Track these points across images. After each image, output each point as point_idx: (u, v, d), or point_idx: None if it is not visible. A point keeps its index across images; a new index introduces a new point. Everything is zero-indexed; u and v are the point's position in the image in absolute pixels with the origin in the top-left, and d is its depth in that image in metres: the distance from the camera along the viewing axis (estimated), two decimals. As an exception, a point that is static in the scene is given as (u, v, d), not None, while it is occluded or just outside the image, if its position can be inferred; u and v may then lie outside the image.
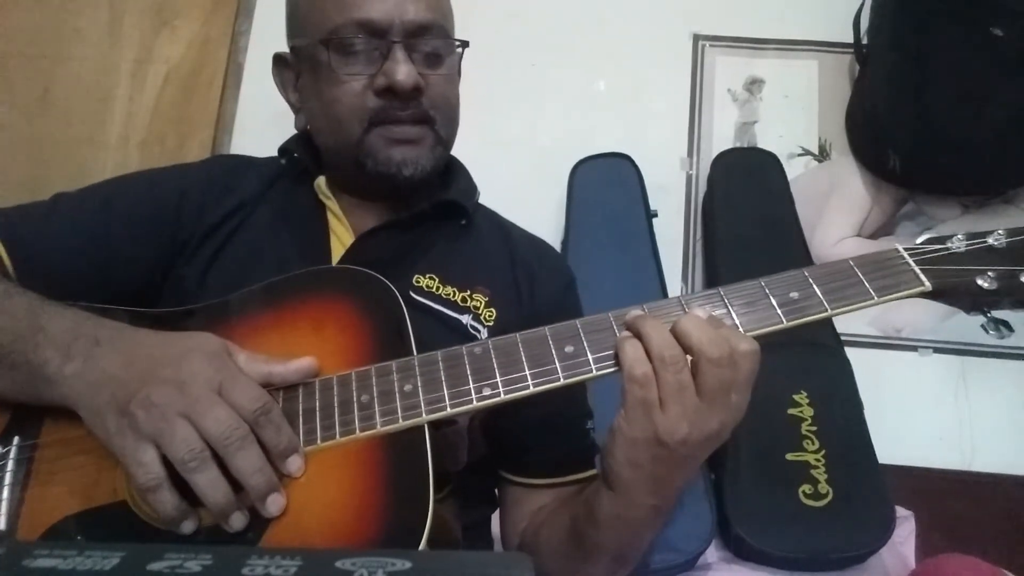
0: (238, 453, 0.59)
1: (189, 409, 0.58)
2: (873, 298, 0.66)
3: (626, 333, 0.64)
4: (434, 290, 0.85)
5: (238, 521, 0.60)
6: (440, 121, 0.86)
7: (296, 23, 0.90)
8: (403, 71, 0.81)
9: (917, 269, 0.67)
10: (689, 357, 0.61)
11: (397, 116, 0.83)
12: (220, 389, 0.60)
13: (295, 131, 0.95)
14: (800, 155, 1.79)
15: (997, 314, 0.68)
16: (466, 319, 0.85)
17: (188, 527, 0.60)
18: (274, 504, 0.60)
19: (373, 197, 0.91)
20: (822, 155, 1.79)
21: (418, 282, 0.85)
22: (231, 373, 0.62)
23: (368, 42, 0.82)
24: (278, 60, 0.94)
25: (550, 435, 0.86)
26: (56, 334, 0.65)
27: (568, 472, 0.86)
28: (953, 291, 0.67)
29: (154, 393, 0.59)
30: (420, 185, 0.87)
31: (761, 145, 1.78)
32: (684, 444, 0.61)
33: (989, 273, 0.66)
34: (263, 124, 1.79)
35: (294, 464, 0.62)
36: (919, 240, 0.70)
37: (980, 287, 0.66)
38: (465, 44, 0.89)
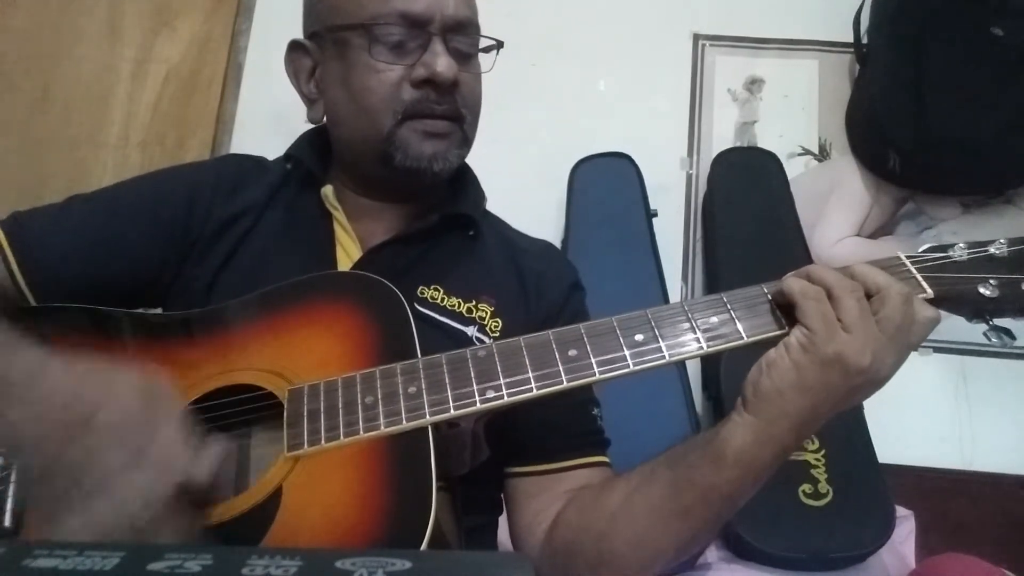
0: None
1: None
2: None
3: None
4: (438, 301, 0.84)
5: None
6: (468, 120, 0.85)
7: (323, 8, 0.86)
8: (443, 63, 0.80)
9: (919, 276, 0.67)
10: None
11: (432, 110, 0.81)
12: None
13: (297, 129, 0.94)
14: (800, 155, 1.79)
15: (999, 322, 0.68)
16: (471, 331, 0.84)
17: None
18: None
19: (388, 199, 0.90)
20: (822, 155, 1.79)
21: (422, 294, 0.84)
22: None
23: (408, 33, 0.81)
24: (295, 47, 0.90)
25: (556, 420, 0.84)
26: None
27: (577, 454, 0.84)
28: (955, 299, 0.67)
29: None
30: (440, 183, 0.87)
31: (761, 145, 1.79)
32: (862, 374, 0.62)
33: (991, 281, 0.66)
34: (263, 124, 1.79)
35: None
36: (921, 249, 0.70)
37: (982, 295, 0.66)
38: (500, 44, 0.88)
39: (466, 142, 0.86)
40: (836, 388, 0.62)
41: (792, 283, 0.65)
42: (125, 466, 0.55)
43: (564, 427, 0.85)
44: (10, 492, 0.64)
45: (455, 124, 0.83)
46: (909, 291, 0.64)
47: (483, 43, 0.87)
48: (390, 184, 0.88)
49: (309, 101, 0.90)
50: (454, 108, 0.83)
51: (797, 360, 0.62)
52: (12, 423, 0.57)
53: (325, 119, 0.90)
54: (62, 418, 0.56)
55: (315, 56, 0.88)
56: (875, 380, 0.63)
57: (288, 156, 0.93)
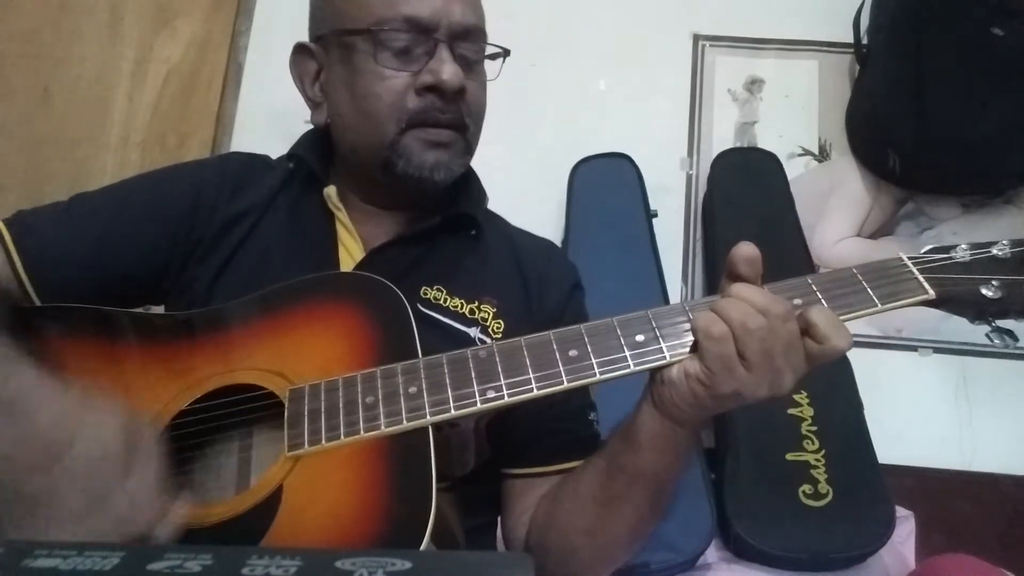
0: None
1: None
2: (877, 306, 0.67)
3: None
4: (441, 302, 0.84)
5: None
6: (471, 129, 0.85)
7: (329, 12, 0.86)
8: (449, 70, 0.79)
9: (921, 278, 0.68)
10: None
11: (436, 118, 0.81)
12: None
13: (297, 129, 0.94)
14: (800, 155, 1.79)
15: (1001, 324, 0.68)
16: (474, 332, 0.84)
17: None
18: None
19: (389, 204, 0.90)
20: (822, 155, 1.79)
21: (425, 294, 0.84)
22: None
23: (413, 39, 0.80)
24: (300, 50, 0.89)
25: (552, 424, 0.85)
26: None
27: (570, 458, 0.85)
28: (957, 300, 0.68)
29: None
30: (442, 192, 0.87)
31: (761, 145, 1.78)
32: (759, 400, 0.63)
33: (993, 282, 0.66)
34: (263, 124, 1.79)
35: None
36: (923, 249, 0.70)
37: (984, 296, 0.66)
38: (507, 52, 0.88)
39: (468, 151, 0.86)
40: (729, 405, 0.64)
41: (697, 320, 0.64)
42: (88, 506, 0.54)
43: (559, 432, 0.86)
44: None
45: (458, 134, 0.83)
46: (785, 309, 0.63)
47: (489, 50, 0.87)
48: (391, 191, 0.88)
49: (313, 104, 0.89)
50: (458, 117, 0.82)
51: (695, 389, 0.63)
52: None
53: (328, 123, 0.89)
54: (39, 443, 0.55)
55: (320, 60, 0.87)
56: (776, 397, 0.63)
57: (290, 155, 0.93)
